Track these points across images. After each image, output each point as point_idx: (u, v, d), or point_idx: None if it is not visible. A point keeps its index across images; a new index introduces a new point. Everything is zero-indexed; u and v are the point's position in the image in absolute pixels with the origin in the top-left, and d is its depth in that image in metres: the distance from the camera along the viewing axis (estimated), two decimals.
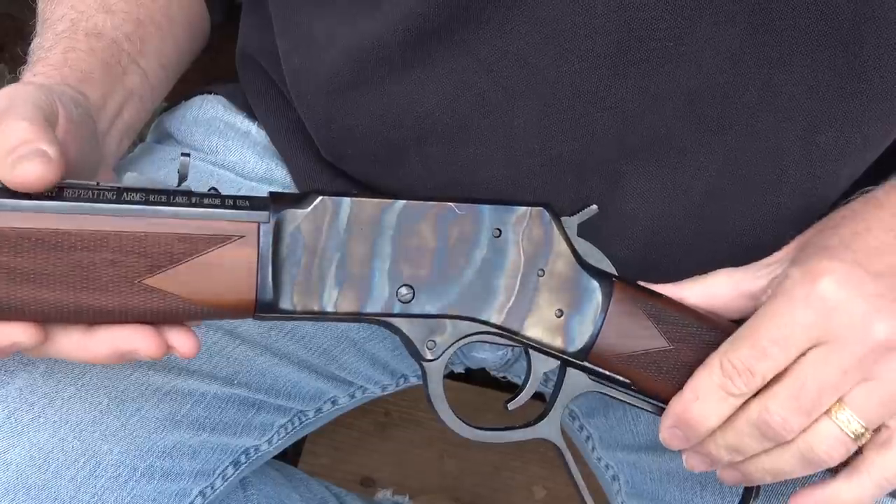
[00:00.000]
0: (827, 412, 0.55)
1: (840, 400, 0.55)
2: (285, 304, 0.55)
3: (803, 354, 0.55)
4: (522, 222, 0.58)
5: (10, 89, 0.55)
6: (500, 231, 0.57)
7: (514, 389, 0.62)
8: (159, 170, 0.77)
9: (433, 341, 0.58)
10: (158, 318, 0.53)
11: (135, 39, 0.71)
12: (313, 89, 0.70)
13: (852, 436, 0.56)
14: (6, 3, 1.39)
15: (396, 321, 0.57)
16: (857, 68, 0.62)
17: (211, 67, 0.87)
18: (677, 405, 0.58)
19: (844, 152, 0.65)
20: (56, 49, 0.66)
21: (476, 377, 1.09)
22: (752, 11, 0.60)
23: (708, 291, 0.61)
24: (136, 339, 0.53)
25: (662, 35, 0.60)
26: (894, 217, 0.58)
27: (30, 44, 0.70)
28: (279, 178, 0.79)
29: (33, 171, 0.50)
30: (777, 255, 0.61)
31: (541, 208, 0.58)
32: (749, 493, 0.62)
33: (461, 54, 0.64)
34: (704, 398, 0.57)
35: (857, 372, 0.55)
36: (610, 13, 0.60)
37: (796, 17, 0.60)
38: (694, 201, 0.66)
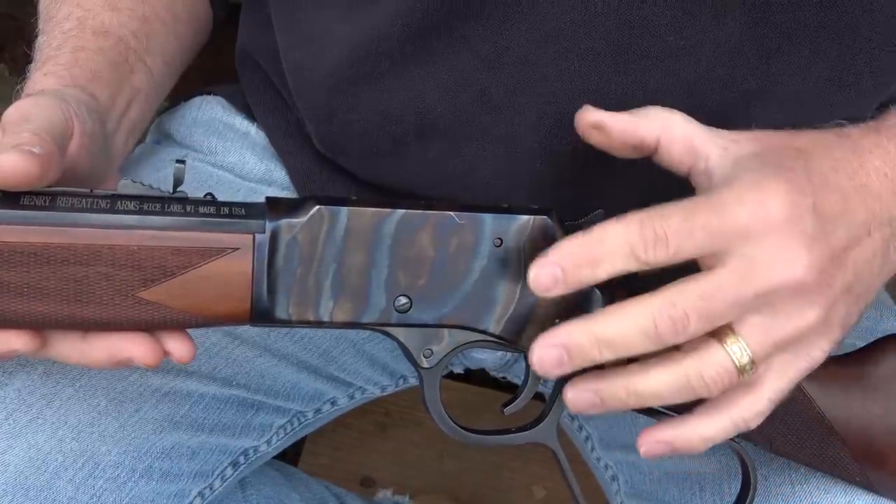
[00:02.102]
0: (721, 341, 0.53)
1: (735, 332, 0.53)
2: (281, 313, 0.54)
3: (723, 265, 0.52)
4: (525, 231, 0.56)
5: (27, 104, 0.54)
6: (501, 240, 0.55)
7: (513, 389, 0.62)
8: (159, 171, 0.77)
9: (430, 350, 0.57)
10: (153, 327, 0.53)
11: (140, 37, 0.71)
12: (314, 85, 0.70)
13: (738, 368, 0.53)
14: (6, 3, 1.39)
15: (393, 330, 0.56)
16: (848, 61, 0.62)
17: (211, 67, 0.87)
18: (573, 243, 0.52)
19: None
20: (65, 48, 0.66)
21: (475, 377, 1.09)
22: (752, 5, 0.60)
23: (664, 127, 0.57)
24: (131, 348, 0.53)
25: (662, 30, 0.60)
26: (862, 167, 0.56)
27: (32, 42, 0.70)
28: (278, 179, 0.79)
29: (13, 163, 0.49)
30: (735, 135, 0.57)
31: (544, 217, 0.56)
32: (745, 492, 0.62)
33: (462, 50, 0.64)
34: (608, 246, 0.51)
35: (765, 300, 0.52)
36: (609, 11, 0.60)
37: (795, 10, 0.60)
38: (691, 194, 0.66)
